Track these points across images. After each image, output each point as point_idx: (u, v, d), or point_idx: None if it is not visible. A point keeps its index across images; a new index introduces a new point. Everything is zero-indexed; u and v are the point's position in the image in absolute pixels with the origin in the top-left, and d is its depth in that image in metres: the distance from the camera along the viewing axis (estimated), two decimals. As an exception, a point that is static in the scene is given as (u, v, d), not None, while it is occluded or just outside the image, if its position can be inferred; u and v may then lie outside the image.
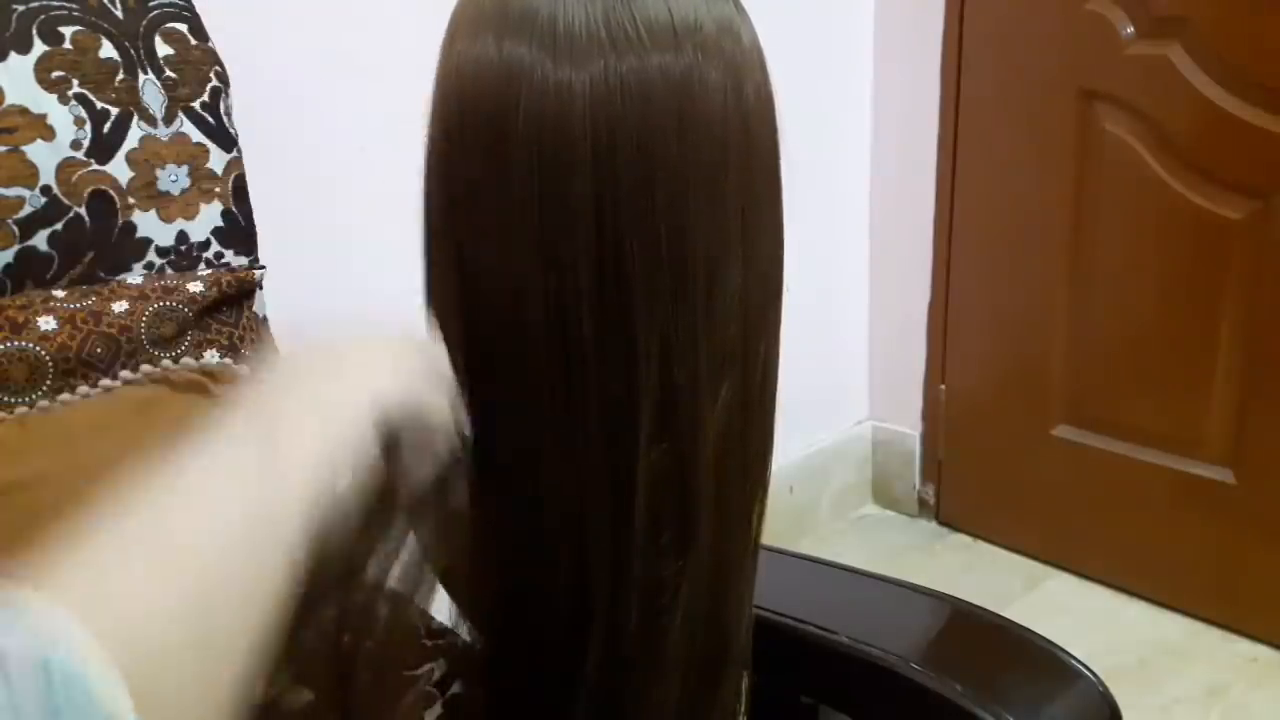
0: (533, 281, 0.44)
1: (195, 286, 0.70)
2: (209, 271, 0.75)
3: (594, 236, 0.43)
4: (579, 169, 0.42)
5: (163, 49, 0.74)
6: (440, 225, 0.48)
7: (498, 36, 0.42)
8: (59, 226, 0.68)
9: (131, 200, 0.71)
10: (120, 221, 0.71)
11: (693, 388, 0.46)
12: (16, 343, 0.62)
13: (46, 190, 0.67)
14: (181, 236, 0.74)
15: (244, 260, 0.79)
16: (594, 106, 0.41)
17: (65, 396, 0.64)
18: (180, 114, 0.75)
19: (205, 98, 0.76)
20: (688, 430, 0.46)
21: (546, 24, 0.42)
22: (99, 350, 0.65)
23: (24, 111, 0.66)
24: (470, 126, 0.44)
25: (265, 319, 0.79)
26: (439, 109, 0.46)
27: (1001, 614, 0.59)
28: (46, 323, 0.64)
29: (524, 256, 0.44)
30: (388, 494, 0.41)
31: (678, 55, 0.42)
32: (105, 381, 0.65)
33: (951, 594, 0.61)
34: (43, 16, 0.68)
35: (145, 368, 0.67)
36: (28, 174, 0.66)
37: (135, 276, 0.71)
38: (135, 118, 0.72)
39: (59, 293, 0.67)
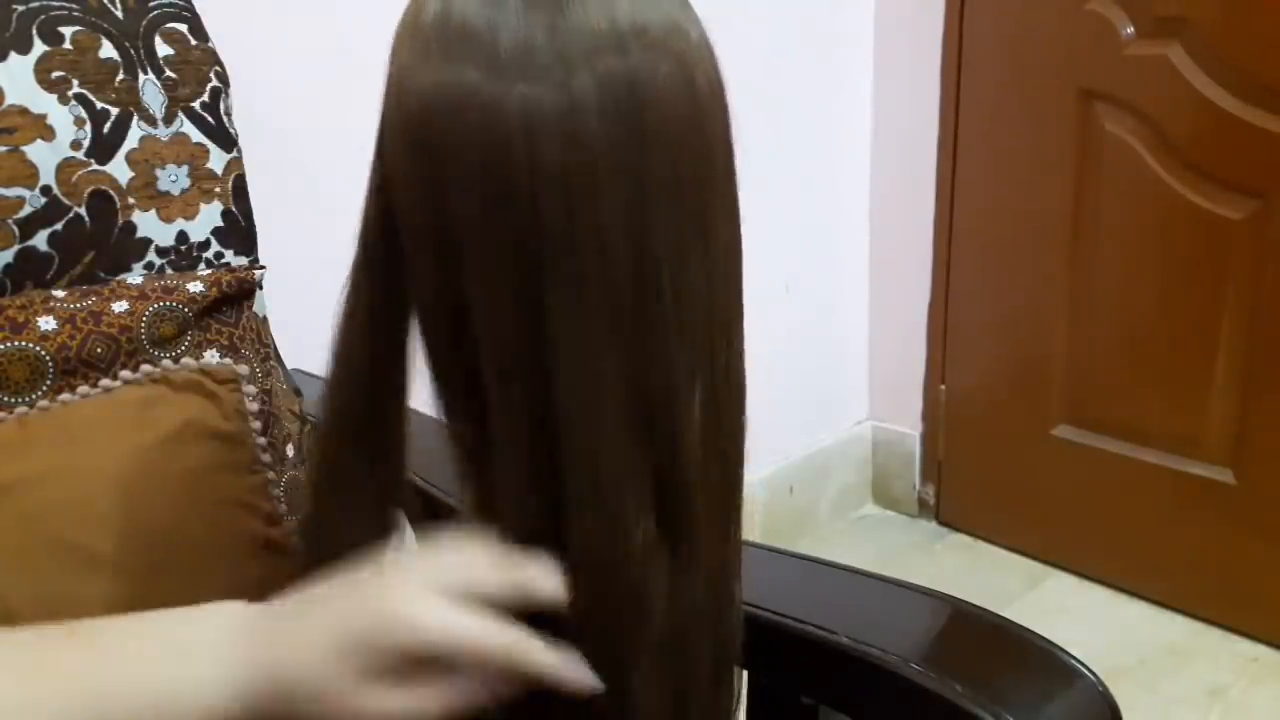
0: (499, 302, 0.44)
1: (195, 286, 0.71)
2: (209, 271, 0.75)
3: (557, 252, 0.42)
4: (536, 185, 0.41)
5: (163, 49, 0.74)
6: (382, 250, 0.48)
7: (442, 57, 0.42)
8: (59, 226, 0.68)
9: (131, 200, 0.71)
10: (120, 221, 0.71)
11: (670, 393, 0.45)
12: (16, 343, 0.62)
13: (46, 190, 0.67)
14: (181, 236, 0.75)
15: (244, 260, 0.79)
16: (546, 119, 0.41)
17: (65, 396, 0.64)
18: (180, 114, 0.75)
19: (205, 98, 0.77)
20: (670, 435, 0.46)
21: (489, 42, 0.41)
22: (99, 350, 0.65)
23: (24, 111, 0.66)
24: (423, 151, 0.43)
25: (265, 319, 0.79)
26: (388, 134, 0.45)
27: (1001, 614, 0.59)
28: (46, 323, 0.64)
29: (484, 278, 0.43)
30: None
31: (625, 58, 0.41)
32: (105, 381, 0.65)
33: (951, 594, 0.61)
34: (43, 16, 0.68)
35: (145, 368, 0.67)
36: (28, 174, 0.66)
37: (135, 276, 0.71)
38: (135, 118, 0.72)
39: (59, 293, 0.67)
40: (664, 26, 0.43)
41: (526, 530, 0.46)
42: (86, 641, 0.45)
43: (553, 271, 0.42)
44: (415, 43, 0.43)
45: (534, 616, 0.45)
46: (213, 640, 0.45)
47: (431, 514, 0.82)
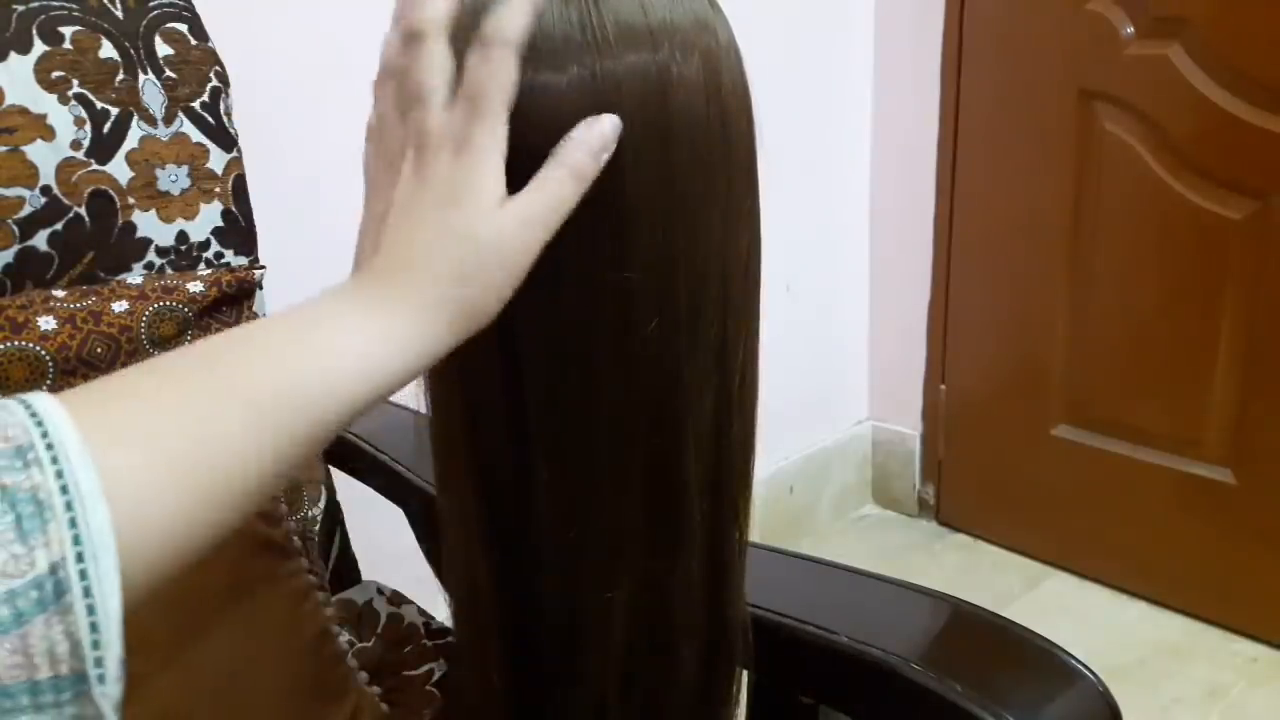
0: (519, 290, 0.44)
1: (195, 286, 0.71)
2: (209, 271, 0.75)
3: (576, 243, 0.42)
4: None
5: (163, 49, 0.74)
6: None
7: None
8: (59, 226, 0.68)
9: (131, 200, 0.71)
10: (120, 221, 0.71)
11: (680, 391, 0.46)
12: (16, 343, 0.62)
13: (46, 190, 0.67)
14: (181, 236, 0.75)
15: (244, 260, 0.79)
16: (573, 109, 0.41)
17: (65, 396, 0.64)
18: (180, 114, 0.75)
19: (205, 98, 0.77)
20: (676, 432, 0.46)
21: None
22: (99, 350, 0.65)
23: (24, 111, 0.66)
24: None
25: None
26: None
27: (1001, 614, 0.59)
28: (46, 323, 0.64)
29: None
30: None
31: (654, 53, 0.42)
32: (105, 381, 0.65)
33: (951, 594, 0.61)
34: (43, 16, 0.68)
35: (145, 368, 0.67)
36: (28, 174, 0.66)
37: (135, 276, 0.71)
38: (135, 118, 0.72)
39: (59, 293, 0.67)
40: (694, 26, 0.43)
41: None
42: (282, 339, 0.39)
43: (571, 259, 0.42)
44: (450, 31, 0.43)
45: None
46: (401, 318, 0.39)
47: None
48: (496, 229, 0.40)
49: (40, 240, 0.67)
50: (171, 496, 0.33)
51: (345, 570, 0.92)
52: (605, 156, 0.41)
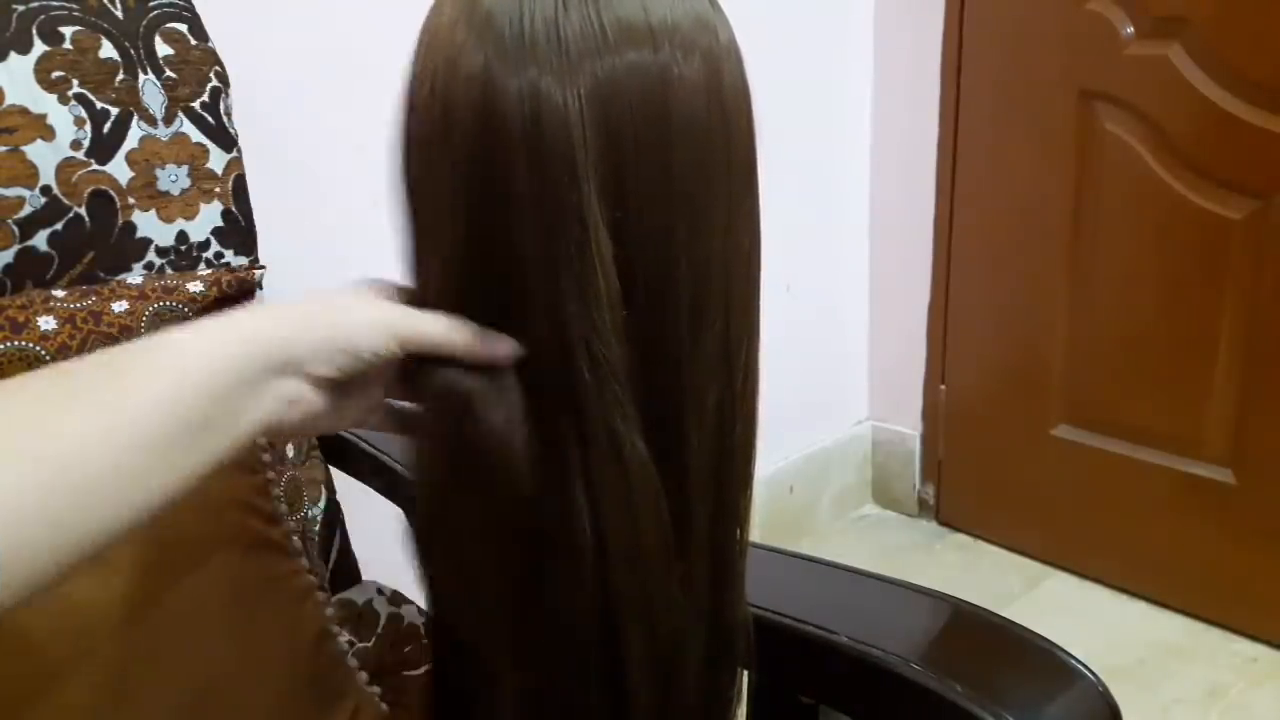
0: (530, 291, 0.44)
1: (195, 286, 0.71)
2: (209, 271, 0.75)
3: (580, 244, 0.42)
4: (562, 174, 0.42)
5: (163, 49, 0.74)
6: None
7: (474, 44, 0.42)
8: (59, 226, 0.68)
9: (131, 200, 0.71)
10: (120, 221, 0.71)
11: (681, 394, 0.46)
12: (16, 343, 0.62)
13: (46, 190, 0.67)
14: (181, 236, 0.75)
15: (244, 260, 0.79)
16: (571, 107, 0.41)
17: (65, 396, 0.64)
18: (180, 114, 0.75)
19: (205, 98, 0.77)
20: (678, 431, 0.46)
21: (517, 30, 0.41)
22: (99, 350, 0.65)
23: (24, 111, 0.66)
24: (453, 137, 0.43)
25: (265, 319, 0.79)
26: (421, 119, 0.45)
27: (1001, 614, 0.59)
28: (46, 323, 0.64)
29: (509, 266, 0.43)
30: None
31: (655, 53, 0.42)
32: (105, 381, 0.65)
33: (951, 594, 0.61)
34: (43, 16, 0.68)
35: (145, 368, 0.67)
36: (28, 174, 0.66)
37: (135, 276, 0.71)
38: (135, 118, 0.72)
39: (59, 293, 0.67)
40: (695, 26, 0.43)
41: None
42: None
43: (568, 257, 0.42)
44: (449, 31, 0.43)
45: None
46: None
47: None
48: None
49: (40, 240, 0.67)
50: (44, 510, 0.35)
51: (345, 570, 0.92)
52: (484, 358, 0.44)
